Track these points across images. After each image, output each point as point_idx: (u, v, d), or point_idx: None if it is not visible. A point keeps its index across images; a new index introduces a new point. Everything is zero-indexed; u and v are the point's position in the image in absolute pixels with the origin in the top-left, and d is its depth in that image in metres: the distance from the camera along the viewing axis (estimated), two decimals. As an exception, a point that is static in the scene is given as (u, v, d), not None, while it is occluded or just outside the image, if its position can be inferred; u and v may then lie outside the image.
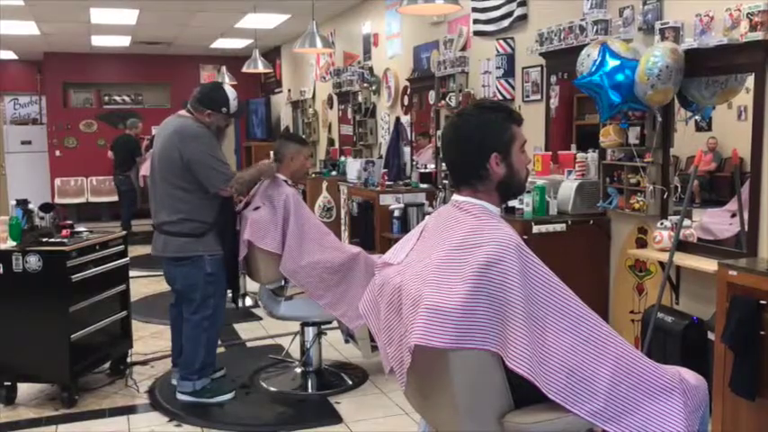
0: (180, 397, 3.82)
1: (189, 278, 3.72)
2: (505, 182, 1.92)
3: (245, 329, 5.28)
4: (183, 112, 3.81)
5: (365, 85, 7.74)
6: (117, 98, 12.58)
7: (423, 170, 6.46)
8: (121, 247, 4.18)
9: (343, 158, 8.08)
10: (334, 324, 4.23)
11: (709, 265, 3.23)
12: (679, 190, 3.78)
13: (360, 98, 7.89)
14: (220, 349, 4.74)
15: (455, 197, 1.96)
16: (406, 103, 7.02)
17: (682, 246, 3.52)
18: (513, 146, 1.91)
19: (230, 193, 3.73)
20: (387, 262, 2.01)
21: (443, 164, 5.83)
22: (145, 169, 10.19)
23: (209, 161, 3.61)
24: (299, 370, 4.20)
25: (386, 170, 6.65)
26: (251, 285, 5.34)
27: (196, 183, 3.63)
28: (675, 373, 1.87)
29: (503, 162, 1.90)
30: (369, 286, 2.06)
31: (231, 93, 3.79)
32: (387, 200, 6.01)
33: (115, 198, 12.14)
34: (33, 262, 3.63)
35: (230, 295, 4.13)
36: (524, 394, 1.77)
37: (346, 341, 4.26)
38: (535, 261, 1.78)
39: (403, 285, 1.85)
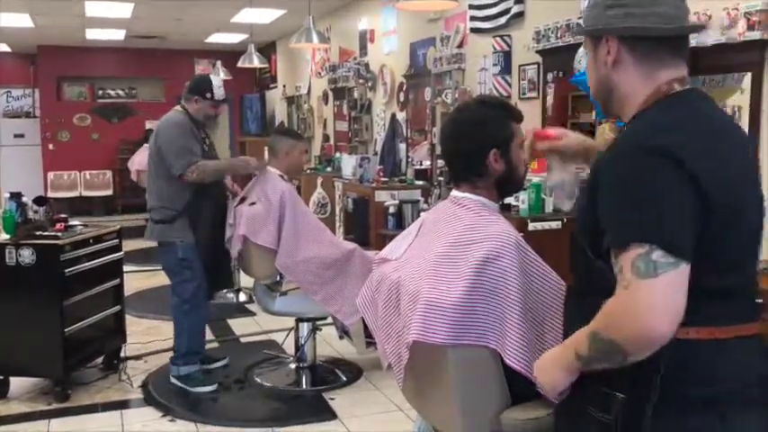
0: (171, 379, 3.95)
1: (165, 262, 3.94)
2: (504, 178, 1.91)
3: (238, 325, 5.27)
4: (177, 107, 4.03)
5: (361, 81, 7.72)
6: (111, 92, 12.51)
7: (418, 167, 6.45)
8: (116, 241, 4.16)
9: (338, 154, 8.07)
10: (329, 320, 4.22)
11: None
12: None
13: (355, 94, 7.88)
14: (214, 344, 4.74)
15: (454, 193, 1.96)
16: (401, 99, 7.01)
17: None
18: (512, 142, 1.91)
19: (192, 180, 3.79)
20: (385, 258, 2.01)
21: (439, 161, 5.83)
22: (139, 164, 10.18)
23: (173, 145, 3.77)
24: (293, 366, 4.19)
25: (381, 166, 6.64)
26: (245, 280, 5.34)
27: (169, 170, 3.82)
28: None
29: (502, 158, 1.89)
30: (366, 282, 2.06)
31: (216, 80, 4.04)
32: (382, 196, 5.99)
33: (108, 192, 12.09)
34: (27, 255, 3.61)
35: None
36: (522, 390, 1.77)
37: (341, 337, 4.25)
38: (534, 257, 1.78)
39: (401, 281, 1.85)
